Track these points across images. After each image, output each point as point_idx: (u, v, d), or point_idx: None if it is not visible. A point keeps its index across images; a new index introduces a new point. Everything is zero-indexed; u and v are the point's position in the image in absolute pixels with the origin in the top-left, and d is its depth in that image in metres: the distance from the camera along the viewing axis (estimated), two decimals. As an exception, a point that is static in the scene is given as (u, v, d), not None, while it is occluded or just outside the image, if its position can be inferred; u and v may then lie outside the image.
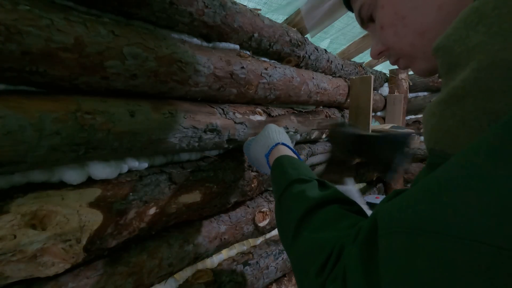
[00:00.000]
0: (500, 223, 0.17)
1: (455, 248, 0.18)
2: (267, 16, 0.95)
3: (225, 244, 0.85)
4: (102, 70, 0.50)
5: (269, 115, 0.94)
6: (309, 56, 1.12)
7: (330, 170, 0.79)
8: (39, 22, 0.41)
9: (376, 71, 1.86)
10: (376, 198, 1.56)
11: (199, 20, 0.67)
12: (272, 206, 1.00)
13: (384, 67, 1.98)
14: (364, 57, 1.69)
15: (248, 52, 0.86)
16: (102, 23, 0.49)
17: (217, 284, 0.78)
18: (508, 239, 0.17)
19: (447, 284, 0.18)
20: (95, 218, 0.52)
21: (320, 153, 1.22)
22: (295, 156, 0.59)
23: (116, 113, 0.52)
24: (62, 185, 0.51)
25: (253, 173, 0.89)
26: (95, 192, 0.53)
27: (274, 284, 1.01)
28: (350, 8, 0.45)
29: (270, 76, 0.88)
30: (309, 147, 1.17)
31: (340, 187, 0.68)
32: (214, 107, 0.75)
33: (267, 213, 0.98)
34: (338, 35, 1.38)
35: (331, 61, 1.29)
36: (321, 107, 1.32)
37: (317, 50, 1.18)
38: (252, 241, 1.00)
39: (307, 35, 1.14)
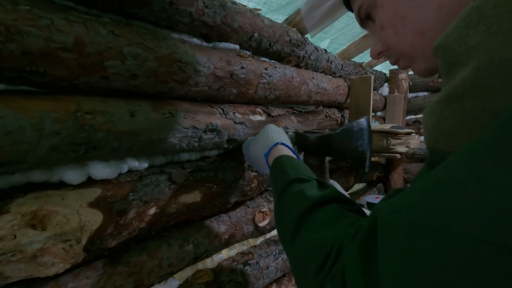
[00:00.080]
0: (500, 221, 0.17)
1: (455, 246, 0.18)
2: (267, 16, 0.96)
3: (225, 244, 0.85)
4: (102, 70, 0.50)
5: (269, 115, 0.94)
6: (309, 56, 1.12)
7: None
8: (39, 22, 0.41)
9: (376, 71, 1.86)
10: (376, 198, 1.56)
11: (199, 20, 0.67)
12: (272, 206, 1.00)
13: (384, 67, 1.98)
14: (364, 57, 1.69)
15: (248, 52, 0.86)
16: (102, 23, 0.49)
17: (217, 284, 0.78)
18: (508, 237, 0.17)
19: (446, 282, 0.18)
20: (95, 218, 0.52)
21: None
22: (294, 156, 0.59)
23: (116, 113, 0.52)
24: (62, 185, 0.51)
25: (253, 173, 0.89)
26: (95, 192, 0.53)
27: (274, 284, 1.01)
28: (349, 8, 0.45)
29: (270, 76, 0.88)
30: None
31: None
32: (214, 107, 0.75)
33: (267, 213, 0.98)
34: (338, 35, 1.38)
35: (331, 61, 1.29)
36: (321, 107, 1.32)
37: (317, 50, 1.18)
38: (252, 241, 1.00)
39: (307, 35, 1.14)
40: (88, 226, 0.51)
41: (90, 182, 0.54)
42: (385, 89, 1.94)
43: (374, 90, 1.61)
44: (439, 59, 0.26)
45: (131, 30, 0.54)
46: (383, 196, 1.79)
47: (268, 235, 1.06)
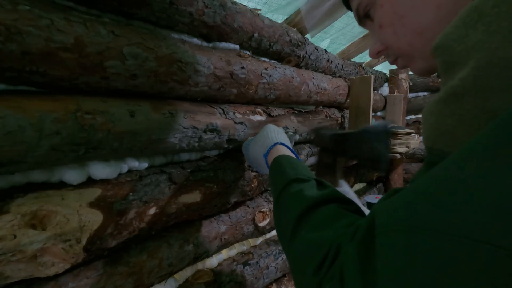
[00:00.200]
0: (498, 221, 0.17)
1: (453, 246, 0.18)
2: (267, 16, 0.96)
3: (225, 244, 0.85)
4: (102, 70, 0.50)
5: (269, 115, 0.94)
6: (309, 56, 1.12)
7: (320, 173, 0.80)
8: (39, 22, 0.41)
9: (376, 71, 1.86)
10: (376, 198, 1.56)
11: (199, 20, 0.67)
12: (272, 206, 1.00)
13: (384, 67, 1.98)
14: (364, 57, 1.69)
15: (248, 52, 0.86)
16: (102, 23, 0.49)
17: (217, 284, 0.78)
18: (506, 237, 0.17)
19: (444, 283, 0.18)
20: (95, 218, 0.52)
21: (320, 153, 1.22)
22: (293, 156, 0.59)
23: (116, 113, 0.52)
24: (62, 185, 0.51)
25: (253, 173, 0.89)
26: (95, 192, 0.53)
27: (274, 284, 1.01)
28: (348, 6, 0.45)
29: (270, 76, 0.88)
30: (309, 147, 1.17)
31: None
32: (214, 107, 0.75)
33: (267, 213, 0.98)
34: (338, 35, 1.38)
35: (331, 61, 1.29)
36: (321, 107, 1.32)
37: (317, 50, 1.18)
38: (252, 241, 1.00)
39: (307, 35, 1.14)
40: (88, 226, 0.51)
41: (90, 182, 0.54)
42: (385, 89, 1.94)
43: (374, 90, 1.61)
44: (438, 59, 0.26)
45: (131, 30, 0.54)
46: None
47: (268, 235, 1.06)
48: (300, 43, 1.04)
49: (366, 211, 0.42)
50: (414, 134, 1.31)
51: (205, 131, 0.69)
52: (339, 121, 1.38)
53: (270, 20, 0.92)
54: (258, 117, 0.88)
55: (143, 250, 0.64)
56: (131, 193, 0.58)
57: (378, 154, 0.66)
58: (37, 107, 0.42)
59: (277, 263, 0.97)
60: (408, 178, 2.07)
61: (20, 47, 0.39)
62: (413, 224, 0.20)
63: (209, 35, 0.74)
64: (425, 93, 2.09)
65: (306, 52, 1.09)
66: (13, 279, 0.45)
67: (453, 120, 0.23)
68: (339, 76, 1.41)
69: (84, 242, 0.51)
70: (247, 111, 0.86)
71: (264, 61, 0.91)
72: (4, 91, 0.43)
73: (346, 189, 0.74)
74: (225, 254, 0.89)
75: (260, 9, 0.99)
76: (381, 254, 0.22)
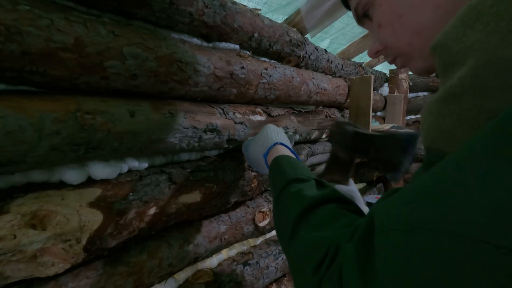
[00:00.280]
0: (497, 221, 0.17)
1: (453, 246, 0.18)
2: (267, 16, 0.96)
3: (225, 244, 0.85)
4: (102, 70, 0.50)
5: (269, 115, 0.94)
6: (309, 56, 1.12)
7: (332, 170, 0.77)
8: (39, 22, 0.41)
9: (376, 71, 1.86)
10: (376, 198, 1.56)
11: (199, 20, 0.67)
12: (272, 206, 1.00)
13: (384, 67, 1.98)
14: (364, 57, 1.69)
15: (248, 52, 0.86)
16: (102, 23, 0.49)
17: (217, 284, 0.78)
18: (505, 237, 0.17)
19: (444, 282, 0.18)
20: (95, 218, 0.53)
21: (320, 153, 1.22)
22: (293, 156, 0.59)
23: (116, 113, 0.52)
24: (62, 185, 0.51)
25: (253, 173, 0.89)
26: (95, 192, 0.53)
27: (274, 284, 1.01)
28: (347, 6, 0.45)
29: (270, 76, 0.88)
30: (309, 147, 1.17)
31: (343, 188, 0.68)
32: (214, 107, 0.75)
33: (267, 213, 0.98)
34: (338, 35, 1.38)
35: (331, 61, 1.29)
36: (321, 107, 1.32)
37: (317, 50, 1.18)
38: (252, 241, 1.00)
39: (307, 35, 1.14)
40: (88, 226, 0.51)
41: (90, 182, 0.54)
42: (385, 89, 1.94)
43: (374, 90, 1.61)
44: (437, 59, 0.26)
45: (131, 30, 0.54)
46: (383, 196, 1.78)
47: (268, 235, 1.06)
48: (300, 43, 1.04)
49: (366, 210, 0.42)
50: (419, 134, 1.31)
51: (205, 131, 0.69)
52: (339, 121, 1.37)
53: (270, 20, 0.92)
54: (258, 117, 0.88)
55: (143, 250, 0.64)
56: (131, 193, 0.58)
57: (399, 163, 0.62)
58: (37, 107, 0.42)
59: (277, 263, 0.97)
60: (408, 178, 2.07)
61: (20, 47, 0.39)
62: (412, 224, 0.20)
63: (209, 35, 0.74)
64: (425, 93, 2.09)
65: (306, 52, 1.09)
66: (13, 279, 0.45)
67: (452, 120, 0.23)
68: (339, 76, 1.41)
69: (84, 242, 0.51)
70: (247, 111, 0.86)
71: (264, 61, 0.92)
72: (4, 91, 0.43)
73: (354, 188, 0.72)
74: (225, 254, 0.89)
75: (260, 9, 0.99)
76: (380, 253, 0.22)
